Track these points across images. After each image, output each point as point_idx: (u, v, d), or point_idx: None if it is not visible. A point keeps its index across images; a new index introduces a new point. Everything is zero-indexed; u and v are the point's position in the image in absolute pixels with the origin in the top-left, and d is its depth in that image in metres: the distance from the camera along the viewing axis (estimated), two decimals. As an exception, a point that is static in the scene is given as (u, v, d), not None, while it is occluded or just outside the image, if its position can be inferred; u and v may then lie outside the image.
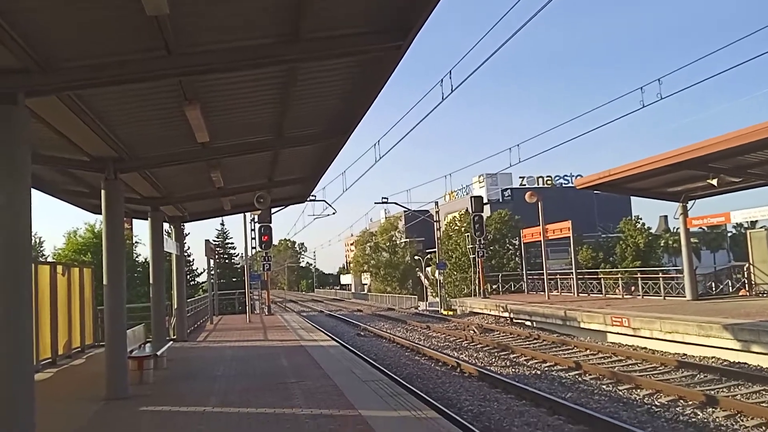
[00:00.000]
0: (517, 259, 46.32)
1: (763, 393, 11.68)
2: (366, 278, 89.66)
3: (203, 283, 53.36)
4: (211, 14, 5.79)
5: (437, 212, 43.86)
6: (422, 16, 6.38)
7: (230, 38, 6.46)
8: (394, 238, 78.89)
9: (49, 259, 38.22)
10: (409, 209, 53.81)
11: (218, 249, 52.13)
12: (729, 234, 68.36)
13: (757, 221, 38.83)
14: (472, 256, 39.36)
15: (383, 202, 47.13)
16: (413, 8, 6.30)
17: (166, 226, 18.39)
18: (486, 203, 41.89)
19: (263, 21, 6.29)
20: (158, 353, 12.46)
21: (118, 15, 5.39)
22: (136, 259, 38.13)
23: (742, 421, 9.81)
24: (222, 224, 62.04)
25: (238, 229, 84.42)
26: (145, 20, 5.19)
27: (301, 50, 6.64)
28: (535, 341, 20.76)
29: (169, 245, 18.23)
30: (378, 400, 9.14)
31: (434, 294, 47.85)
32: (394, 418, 7.86)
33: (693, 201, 23.95)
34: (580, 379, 13.92)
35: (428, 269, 60.09)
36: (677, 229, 34.54)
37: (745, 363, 14.64)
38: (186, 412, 8.80)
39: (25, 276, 5.97)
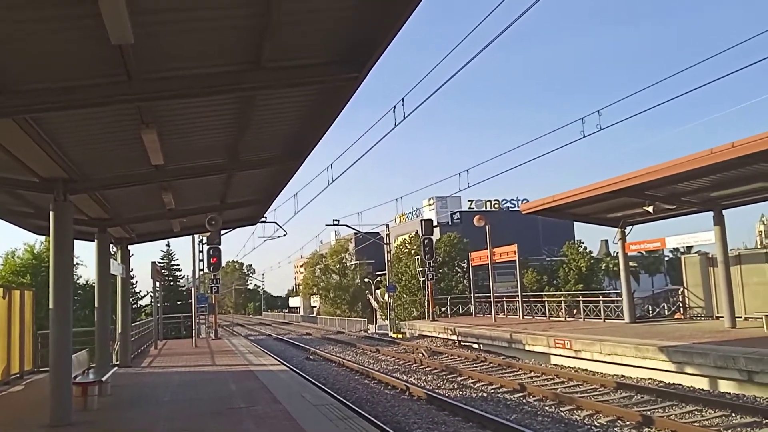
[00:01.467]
0: (465, 281, 47.05)
1: (695, 413, 12.24)
2: (315, 301, 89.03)
3: (146, 306, 52.10)
4: (174, 43, 5.92)
5: (388, 235, 44.18)
6: (378, 50, 6.67)
7: (192, 65, 6.59)
8: (344, 261, 78.82)
9: (-16, 281, 36.61)
10: (359, 231, 53.90)
11: (164, 271, 51.03)
12: (666, 258, 71.20)
13: (692, 246, 40.79)
14: (421, 278, 39.75)
15: (334, 224, 47.31)
16: (370, 42, 6.58)
17: (111, 247, 18.03)
18: (436, 226, 42.49)
19: (225, 49, 6.46)
20: (103, 379, 12.18)
21: (81, 42, 5.45)
22: (77, 281, 37.00)
23: (676, 439, 10.29)
24: (167, 245, 60.80)
25: (183, 250, 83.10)
26: (107, 47, 5.26)
27: (260, 78, 6.83)
28: (482, 363, 21.12)
29: (115, 267, 17.84)
30: (328, 423, 9.23)
31: (384, 317, 47.98)
32: (345, 441, 7.97)
33: (631, 227, 24.99)
34: (524, 400, 14.27)
35: (378, 292, 60.32)
36: (617, 253, 35.87)
37: (680, 384, 15.30)
38: (133, 439, 8.68)
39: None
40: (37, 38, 5.42)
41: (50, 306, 9.85)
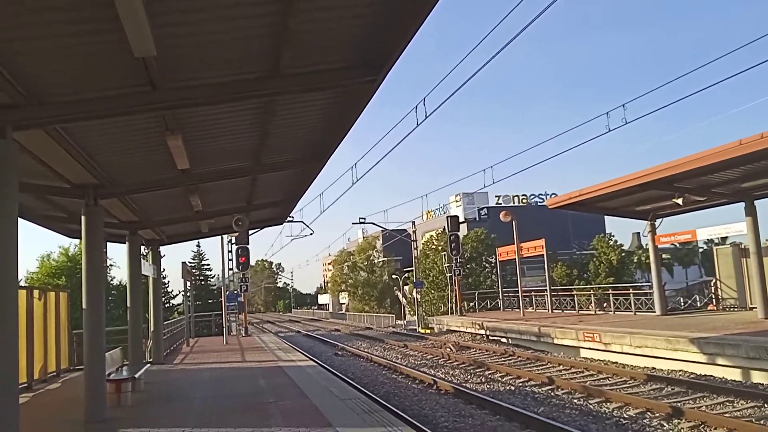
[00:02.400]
0: (493, 277, 46.86)
1: (727, 404, 12.14)
2: (344, 298, 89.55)
3: (178, 305, 53.06)
4: (195, 54, 6.12)
5: (414, 232, 44.27)
6: (395, 53, 6.76)
7: (213, 74, 6.79)
8: (371, 258, 79.09)
9: (23, 283, 37.75)
10: (386, 229, 54.12)
11: (194, 271, 51.90)
12: (700, 250, 69.83)
13: (726, 237, 39.99)
14: (449, 274, 39.73)
15: (361, 222, 47.31)
16: (386, 45, 6.67)
17: (143, 249, 18.47)
18: (462, 222, 42.47)
19: (246, 58, 6.62)
20: (136, 376, 12.53)
21: (105, 56, 5.68)
22: (111, 282, 37.85)
23: (706, 431, 10.20)
24: (198, 246, 61.79)
25: (213, 250, 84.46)
26: (131, 60, 5.48)
27: (280, 85, 6.99)
28: (510, 357, 21.11)
29: (146, 268, 18.28)
30: (355, 417, 9.38)
31: (412, 313, 48.09)
32: (370, 435, 8.11)
33: (661, 219, 24.69)
34: (552, 393, 14.26)
35: (406, 288, 60.45)
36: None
37: (711, 375, 15.14)
38: (165, 434, 8.93)
39: (11, 304, 6.12)
40: (68, 53, 5.67)
41: (84, 306, 10.18)
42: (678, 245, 60.79)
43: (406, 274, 60.12)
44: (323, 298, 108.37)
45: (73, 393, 13.07)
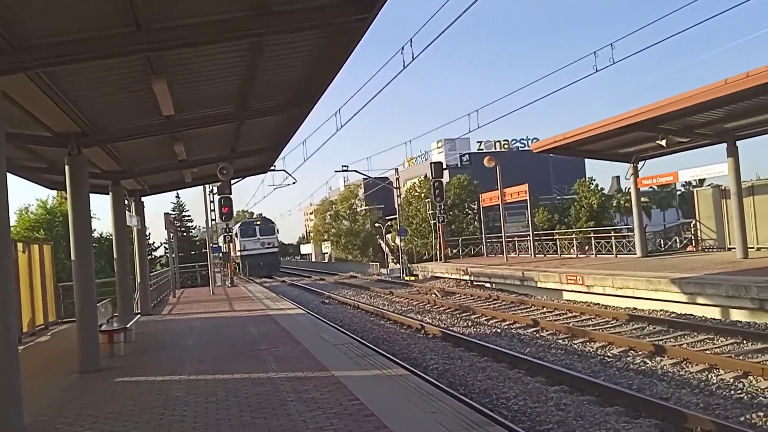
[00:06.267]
0: (476, 223, 47.28)
1: (707, 341, 12.50)
2: (326, 247, 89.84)
3: (160, 257, 52.90)
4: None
5: (397, 179, 44.15)
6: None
7: (201, 13, 6.51)
8: (354, 206, 79.06)
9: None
10: (369, 176, 53.99)
11: (176, 222, 51.51)
12: (678, 193, 70.89)
13: (704, 179, 40.53)
14: (432, 221, 39.92)
15: (343, 170, 47.10)
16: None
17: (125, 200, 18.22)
18: (445, 169, 42.33)
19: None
20: (127, 326, 12.56)
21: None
22: (92, 234, 37.43)
23: (688, 367, 10.50)
24: (177, 197, 61.01)
25: (192, 201, 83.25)
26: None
27: (269, 23, 6.74)
28: (494, 302, 21.48)
29: (130, 219, 18.10)
30: (349, 361, 9.52)
31: (395, 260, 48.51)
32: (366, 377, 8.25)
33: (643, 161, 24.84)
34: (537, 335, 14.59)
35: (389, 236, 60.76)
36: (629, 189, 35.73)
37: (692, 314, 15.55)
38: (162, 381, 8.99)
39: (6, 254, 6.00)
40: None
41: (72, 257, 10.08)
42: (656, 188, 61.70)
43: (389, 223, 60.33)
44: (306, 248, 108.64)
45: (64, 345, 13.10)
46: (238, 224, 54.04)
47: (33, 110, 8.42)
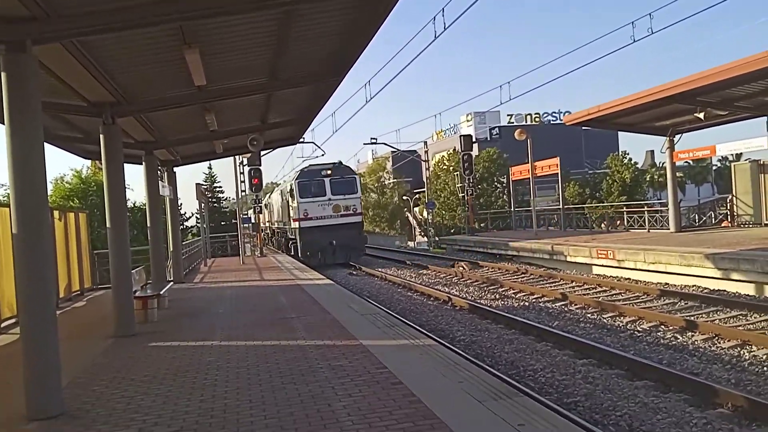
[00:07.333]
0: (505, 197, 46.83)
1: (740, 317, 12.29)
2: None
3: (192, 227, 53.76)
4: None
5: (426, 152, 43.90)
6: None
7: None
8: (382, 179, 78.98)
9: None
10: (397, 149, 53.72)
11: (207, 193, 52.18)
12: (714, 168, 69.10)
13: (742, 154, 39.47)
14: (461, 195, 39.71)
15: (372, 143, 46.85)
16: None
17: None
18: (474, 142, 41.91)
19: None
20: (161, 293, 12.86)
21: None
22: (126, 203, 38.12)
23: (720, 343, 10.36)
24: (209, 168, 61.67)
25: (223, 172, 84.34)
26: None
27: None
28: (522, 275, 21.38)
29: (163, 189, 18.39)
30: (377, 330, 9.62)
31: (422, 234, 48.49)
32: (394, 346, 8.33)
33: (680, 135, 24.27)
34: (566, 309, 14.50)
35: (416, 209, 60.65)
36: (663, 164, 35.00)
37: (725, 290, 15.29)
38: (194, 346, 9.22)
39: (45, 221, 6.14)
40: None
41: (108, 225, 10.31)
42: (691, 163, 60.23)
43: (417, 196, 60.13)
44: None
45: (100, 310, 13.49)
46: (296, 175, 31.29)
47: (68, 80, 8.55)
